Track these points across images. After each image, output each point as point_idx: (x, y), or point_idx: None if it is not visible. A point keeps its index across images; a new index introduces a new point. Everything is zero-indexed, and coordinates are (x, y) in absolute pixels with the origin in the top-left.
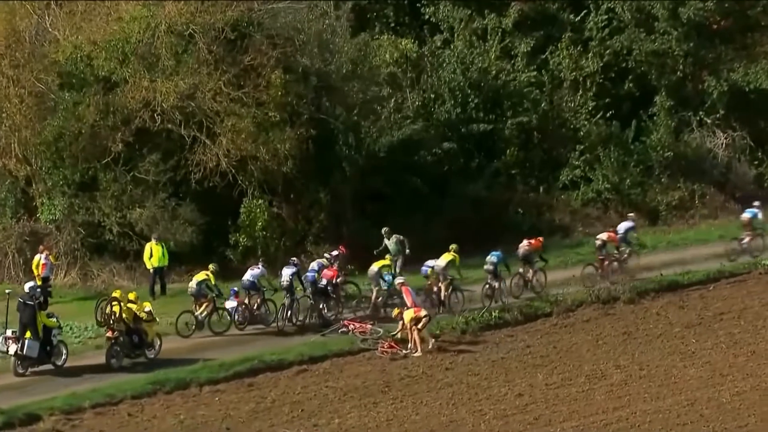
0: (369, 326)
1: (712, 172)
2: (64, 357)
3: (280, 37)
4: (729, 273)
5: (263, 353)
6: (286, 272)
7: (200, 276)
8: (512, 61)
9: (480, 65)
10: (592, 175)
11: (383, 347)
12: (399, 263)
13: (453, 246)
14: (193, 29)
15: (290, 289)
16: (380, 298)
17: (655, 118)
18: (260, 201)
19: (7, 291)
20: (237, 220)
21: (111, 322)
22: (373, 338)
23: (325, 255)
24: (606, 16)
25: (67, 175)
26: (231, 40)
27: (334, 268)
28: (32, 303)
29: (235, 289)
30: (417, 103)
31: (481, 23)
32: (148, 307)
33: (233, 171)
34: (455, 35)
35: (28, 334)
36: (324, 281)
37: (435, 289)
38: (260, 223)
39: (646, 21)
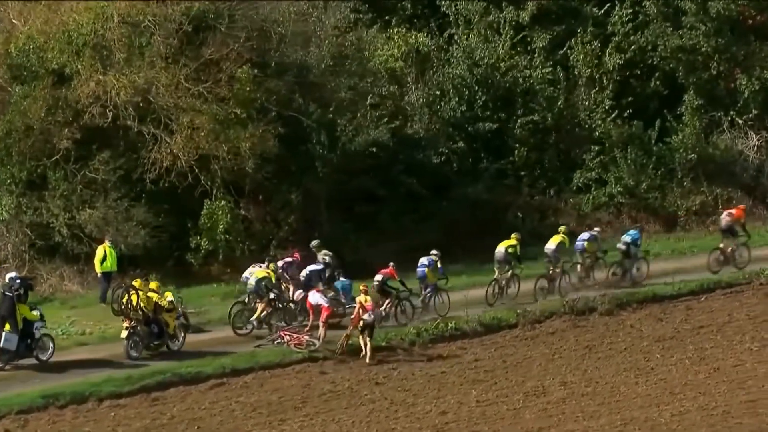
0: (305, 338)
1: (741, 175)
2: (50, 351)
3: (252, 30)
4: (726, 283)
5: (181, 365)
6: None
7: (260, 273)
8: (528, 57)
9: (488, 61)
10: (607, 177)
11: (291, 339)
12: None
13: (562, 228)
14: (149, 21)
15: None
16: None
17: (682, 117)
18: (223, 202)
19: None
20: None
21: (128, 311)
22: (309, 350)
23: (268, 260)
24: (631, 10)
25: (15, 173)
26: (190, 33)
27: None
28: (11, 294)
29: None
30: (421, 100)
31: (497, 16)
32: (170, 296)
33: (194, 170)
34: (471, 29)
35: (7, 327)
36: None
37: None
38: (222, 226)
39: (673, 15)
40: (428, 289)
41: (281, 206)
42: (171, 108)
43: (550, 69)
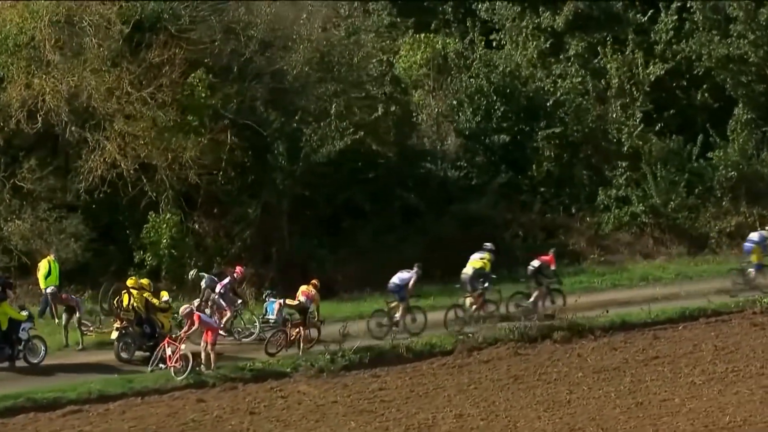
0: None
1: None
2: (41, 354)
3: (217, 32)
4: (712, 311)
5: (42, 389)
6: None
7: (476, 263)
8: (559, 65)
9: (506, 69)
10: (632, 195)
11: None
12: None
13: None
14: (87, 21)
15: None
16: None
17: (730, 133)
18: (169, 215)
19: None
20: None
21: (119, 310)
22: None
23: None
24: (676, 16)
25: None
26: (133, 34)
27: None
28: None
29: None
30: (438, 109)
31: (531, 22)
32: (165, 296)
33: (138, 180)
34: (504, 34)
35: None
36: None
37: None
38: (165, 240)
39: (720, 23)
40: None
41: (236, 220)
42: (107, 113)
43: (580, 78)
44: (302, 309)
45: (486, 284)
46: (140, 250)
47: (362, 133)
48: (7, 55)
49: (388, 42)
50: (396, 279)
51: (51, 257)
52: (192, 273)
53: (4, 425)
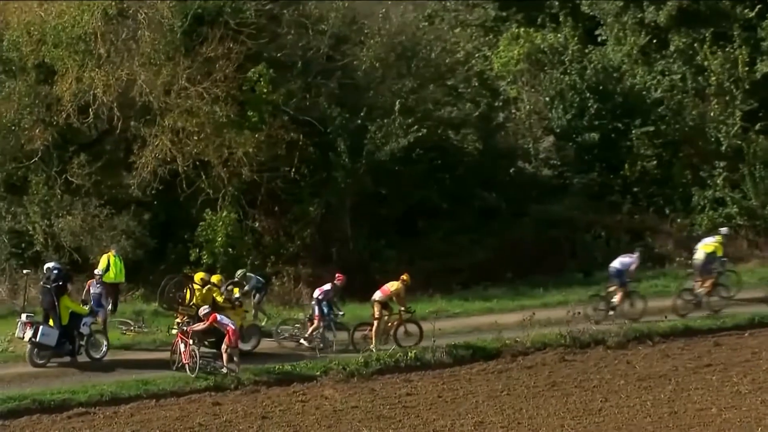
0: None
1: None
2: (104, 349)
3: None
4: None
5: (53, 390)
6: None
7: (707, 247)
8: (660, 62)
9: (598, 64)
10: (727, 195)
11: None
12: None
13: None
14: (143, 15)
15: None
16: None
17: None
18: (224, 213)
19: (24, 272)
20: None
21: (177, 305)
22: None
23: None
24: None
25: None
26: (188, 30)
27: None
28: (49, 286)
29: None
30: (530, 106)
31: (633, 16)
32: (237, 293)
33: (197, 177)
34: (606, 30)
35: (51, 321)
36: None
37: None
38: (220, 239)
39: None
40: None
41: (296, 219)
42: (161, 108)
43: (680, 75)
44: (383, 304)
45: (719, 268)
46: (196, 248)
47: (425, 130)
48: (62, 49)
49: (489, 37)
50: (617, 263)
51: (112, 252)
52: (239, 273)
53: (5, 427)
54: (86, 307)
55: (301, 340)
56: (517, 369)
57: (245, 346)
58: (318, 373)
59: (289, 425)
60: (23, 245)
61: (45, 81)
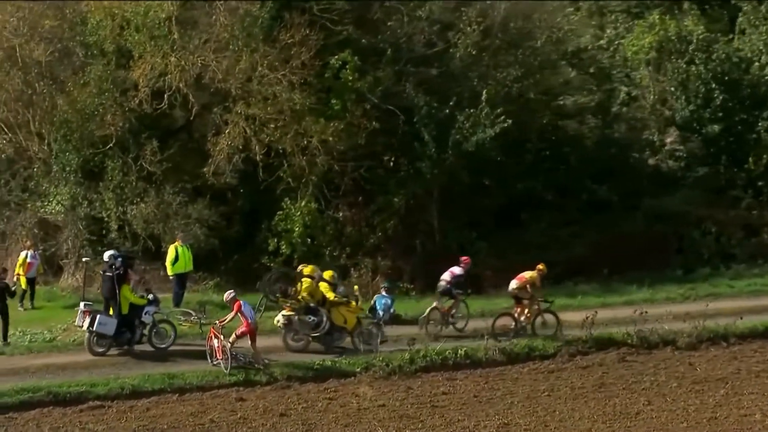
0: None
1: None
2: (170, 340)
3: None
4: None
5: (73, 383)
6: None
7: None
8: None
9: (722, 54)
10: None
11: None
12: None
13: None
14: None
15: None
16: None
17: None
18: (303, 203)
19: (84, 260)
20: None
21: (280, 297)
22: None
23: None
24: None
25: (72, 160)
26: (271, 15)
27: None
28: (111, 274)
29: None
30: (653, 96)
31: None
32: (355, 290)
33: (278, 166)
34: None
35: (111, 310)
36: None
37: None
38: (298, 229)
39: None
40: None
41: (380, 209)
42: (238, 95)
43: None
44: (513, 296)
45: None
46: (274, 238)
47: (510, 121)
48: (142, 33)
49: (627, 24)
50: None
51: (179, 242)
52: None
53: (10, 419)
54: (150, 297)
55: (450, 326)
56: (571, 369)
57: (367, 347)
58: (359, 369)
59: (304, 423)
60: (103, 231)
61: (123, 66)
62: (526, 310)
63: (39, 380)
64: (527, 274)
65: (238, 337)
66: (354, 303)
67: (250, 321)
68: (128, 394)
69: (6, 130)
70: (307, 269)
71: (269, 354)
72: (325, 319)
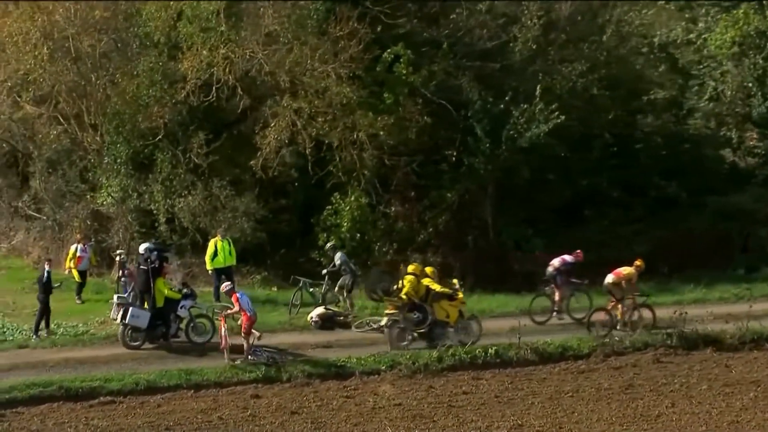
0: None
1: None
2: (208, 335)
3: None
4: None
5: (82, 378)
6: None
7: None
8: None
9: None
10: None
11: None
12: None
13: None
14: None
15: None
16: None
17: None
18: (353, 197)
19: (118, 252)
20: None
21: (389, 295)
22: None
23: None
24: None
25: (123, 151)
26: (326, 8)
27: None
28: (146, 267)
29: None
30: (732, 91)
31: None
32: (455, 284)
33: (330, 159)
34: None
35: (146, 304)
36: None
37: None
38: (346, 223)
39: None
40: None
41: (432, 205)
42: (287, 88)
43: None
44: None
45: None
46: (324, 233)
47: (563, 117)
48: (195, 25)
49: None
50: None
51: (218, 237)
52: (329, 245)
53: (17, 414)
54: (185, 291)
55: (555, 315)
56: (602, 370)
57: (465, 339)
58: (384, 367)
59: (314, 421)
60: (153, 224)
61: (173, 58)
62: (619, 305)
63: (52, 375)
64: (624, 270)
65: (246, 333)
66: (461, 294)
67: (249, 313)
68: (142, 389)
69: (62, 120)
70: (410, 267)
71: (298, 350)
72: (429, 314)
